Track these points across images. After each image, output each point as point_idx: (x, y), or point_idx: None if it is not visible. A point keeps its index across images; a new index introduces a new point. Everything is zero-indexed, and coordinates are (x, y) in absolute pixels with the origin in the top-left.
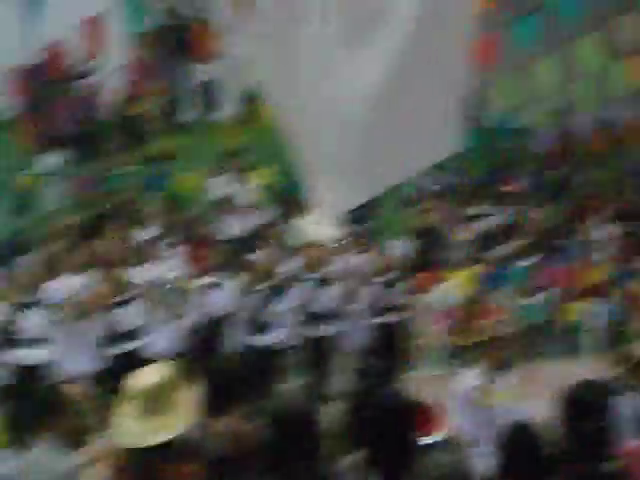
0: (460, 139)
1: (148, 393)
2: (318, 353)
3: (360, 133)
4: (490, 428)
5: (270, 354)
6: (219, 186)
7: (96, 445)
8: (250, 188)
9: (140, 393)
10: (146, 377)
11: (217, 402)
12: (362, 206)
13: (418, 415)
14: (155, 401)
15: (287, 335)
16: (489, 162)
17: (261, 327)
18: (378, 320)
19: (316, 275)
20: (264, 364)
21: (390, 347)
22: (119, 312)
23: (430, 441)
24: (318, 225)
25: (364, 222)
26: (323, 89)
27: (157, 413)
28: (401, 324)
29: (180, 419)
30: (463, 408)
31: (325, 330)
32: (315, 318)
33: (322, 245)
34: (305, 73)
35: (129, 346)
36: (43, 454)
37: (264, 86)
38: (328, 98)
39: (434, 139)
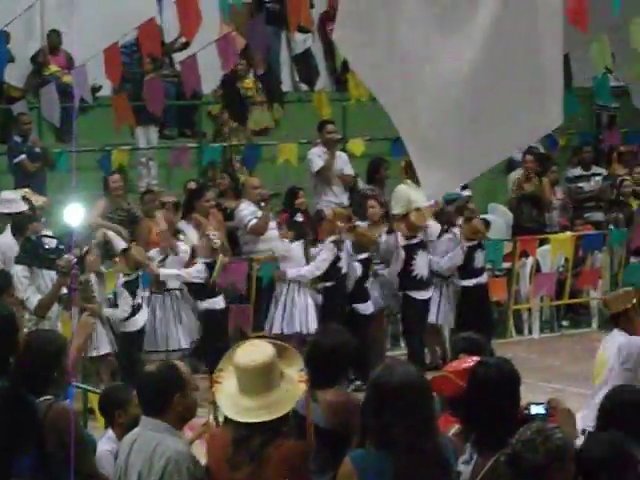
0: (561, 110)
1: (260, 370)
2: (417, 318)
3: (458, 116)
4: None
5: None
6: (317, 156)
7: (197, 422)
8: (344, 159)
9: (251, 370)
10: (255, 354)
11: (323, 374)
12: None
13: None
14: (267, 377)
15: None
16: (587, 124)
17: (362, 295)
18: (468, 283)
19: (415, 240)
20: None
21: (480, 310)
22: None
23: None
24: (418, 191)
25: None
26: (421, 74)
27: (270, 389)
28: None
29: (292, 395)
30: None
31: (423, 295)
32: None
33: (422, 210)
34: (403, 56)
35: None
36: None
37: (359, 68)
38: (425, 83)
39: (535, 114)
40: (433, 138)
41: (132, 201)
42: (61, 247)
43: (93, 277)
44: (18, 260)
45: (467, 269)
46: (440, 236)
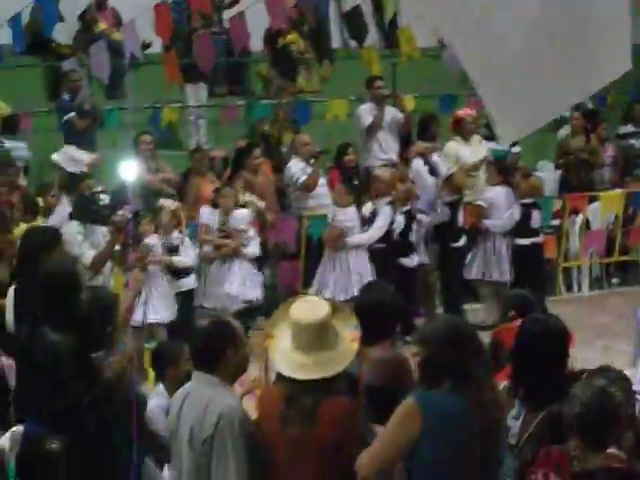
0: (629, 56)
1: (316, 326)
2: (457, 268)
3: (529, 62)
4: None
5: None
6: (366, 112)
7: (247, 377)
8: (394, 112)
9: (308, 326)
10: (313, 311)
11: (369, 331)
12: None
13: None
14: (323, 335)
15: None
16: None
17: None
18: (524, 242)
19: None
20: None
21: (535, 270)
22: None
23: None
24: (466, 147)
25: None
26: (490, 23)
27: (324, 347)
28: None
29: (347, 353)
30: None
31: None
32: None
33: (469, 167)
34: (471, 6)
35: None
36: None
37: (430, 17)
38: (495, 31)
39: (604, 60)
40: (506, 84)
41: (162, 161)
42: (115, 203)
43: (154, 238)
44: (72, 216)
45: (523, 228)
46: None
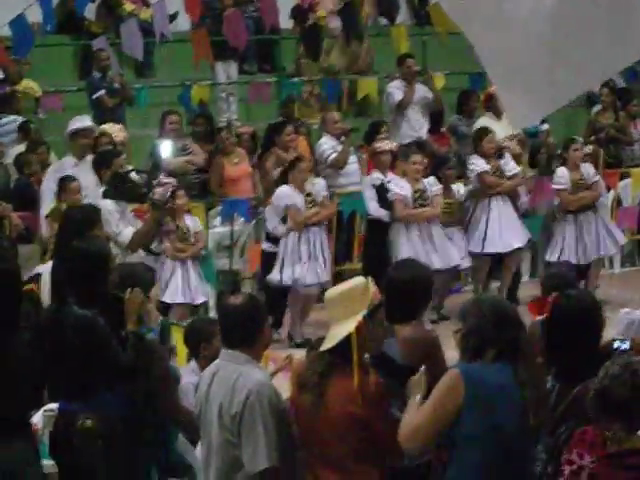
0: None
1: (328, 302)
2: None
3: (542, 47)
4: None
5: None
6: (396, 90)
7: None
8: (424, 89)
9: (325, 301)
10: (334, 289)
11: (400, 308)
12: None
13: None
14: (334, 311)
15: None
16: None
17: None
18: None
19: None
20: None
21: None
22: None
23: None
24: (499, 123)
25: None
26: (501, 8)
27: (335, 322)
28: None
29: (338, 333)
30: None
31: None
32: None
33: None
34: None
35: None
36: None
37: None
38: (506, 17)
39: (623, 42)
40: (517, 69)
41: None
42: (153, 181)
43: (188, 218)
44: (107, 195)
45: None
46: None
